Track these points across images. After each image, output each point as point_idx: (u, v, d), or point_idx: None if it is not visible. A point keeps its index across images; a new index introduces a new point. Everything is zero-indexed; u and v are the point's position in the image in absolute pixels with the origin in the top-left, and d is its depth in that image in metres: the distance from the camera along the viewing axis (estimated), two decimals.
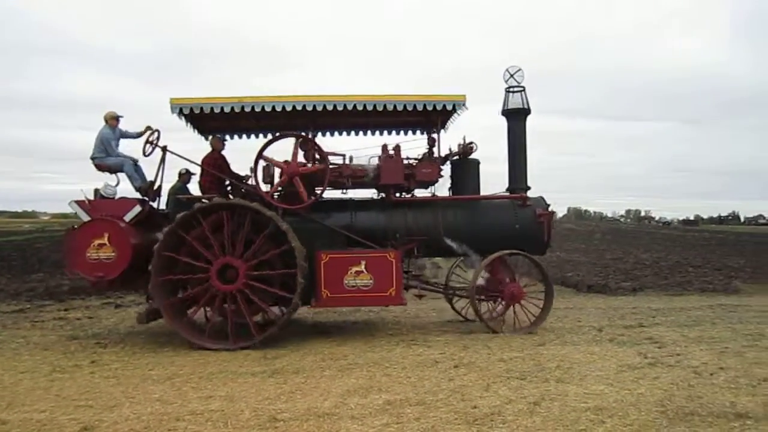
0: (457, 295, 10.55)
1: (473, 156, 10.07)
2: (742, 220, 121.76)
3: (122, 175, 9.54)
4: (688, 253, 26.65)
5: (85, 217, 8.95)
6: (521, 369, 7.09)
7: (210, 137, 10.21)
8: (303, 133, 9.59)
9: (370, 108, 9.21)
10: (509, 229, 9.74)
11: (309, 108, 9.12)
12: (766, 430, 5.08)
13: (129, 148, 9.79)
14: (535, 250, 9.74)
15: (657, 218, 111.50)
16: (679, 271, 19.57)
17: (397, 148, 9.74)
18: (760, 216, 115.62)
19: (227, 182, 9.80)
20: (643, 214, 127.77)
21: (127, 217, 9.01)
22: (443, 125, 10.21)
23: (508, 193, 10.20)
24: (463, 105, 9.41)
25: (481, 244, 9.53)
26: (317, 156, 9.49)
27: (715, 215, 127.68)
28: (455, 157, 10.08)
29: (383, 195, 9.99)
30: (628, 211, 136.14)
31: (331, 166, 9.34)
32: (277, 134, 9.45)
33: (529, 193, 10.12)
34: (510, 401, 5.87)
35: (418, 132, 11.15)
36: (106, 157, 9.44)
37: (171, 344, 8.86)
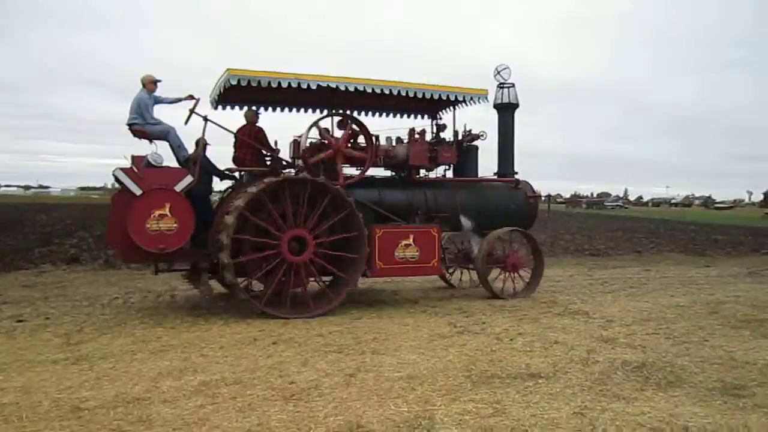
0: (461, 266, 11.47)
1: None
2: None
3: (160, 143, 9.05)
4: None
5: (134, 187, 8.38)
6: (339, 343, 7.12)
7: (245, 109, 10.01)
8: (347, 113, 9.88)
9: (404, 93, 9.71)
10: (506, 209, 10.96)
11: (351, 89, 9.42)
12: (554, 387, 5.59)
13: (159, 114, 9.22)
14: (525, 227, 11.03)
15: None
16: None
17: (422, 132, 10.43)
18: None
19: (266, 155, 9.75)
20: None
21: (178, 188, 8.59)
22: (437, 113, 11.16)
23: (496, 177, 11.43)
24: (486, 98, 10.43)
25: (485, 221, 10.61)
26: (361, 135, 9.88)
27: None
28: (467, 143, 10.95)
29: (401, 174, 10.59)
30: None
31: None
32: (332, 111, 9.80)
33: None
34: (327, 374, 5.87)
35: (418, 116, 11.90)
36: (146, 124, 8.88)
37: None
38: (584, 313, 9.12)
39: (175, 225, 8.36)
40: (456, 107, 10.95)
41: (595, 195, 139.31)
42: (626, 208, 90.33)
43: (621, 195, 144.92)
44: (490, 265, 10.61)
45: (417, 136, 10.34)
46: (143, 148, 8.99)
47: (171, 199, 8.38)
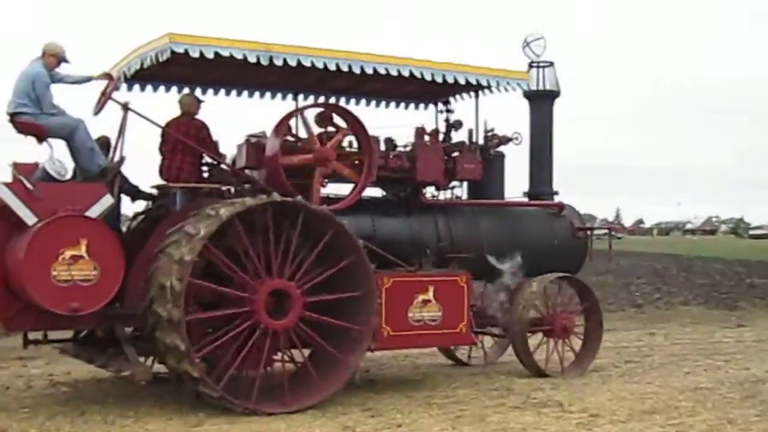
0: (486, 333, 11.86)
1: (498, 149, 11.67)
2: None
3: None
4: None
5: (26, 213, 8.32)
6: None
7: (182, 95, 10.32)
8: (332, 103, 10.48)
9: (417, 75, 10.20)
10: (547, 246, 11.59)
11: (356, 69, 9.88)
12: None
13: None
14: (571, 271, 11.67)
15: None
16: None
17: (435, 133, 10.97)
18: None
19: (205, 163, 10.03)
20: None
21: (94, 212, 8.60)
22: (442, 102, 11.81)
23: (527, 198, 12.16)
24: (526, 84, 11.18)
25: (516, 264, 11.11)
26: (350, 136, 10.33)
27: None
28: (494, 149, 11.54)
29: (401, 195, 11.13)
30: None
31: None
32: (318, 102, 10.63)
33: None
34: None
35: (411, 106, 12.57)
36: (42, 114, 8.85)
37: None
38: (556, 404, 9.35)
39: (94, 273, 8.36)
40: (479, 94, 11.52)
41: None
42: (619, 238, 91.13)
43: (610, 218, 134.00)
44: (530, 330, 11.21)
45: (427, 138, 10.86)
46: (33, 151, 9.04)
47: (89, 231, 8.38)
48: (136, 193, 9.99)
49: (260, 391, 8.83)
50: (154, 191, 10.20)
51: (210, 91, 11.37)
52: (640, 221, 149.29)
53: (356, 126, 10.16)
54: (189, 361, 8.38)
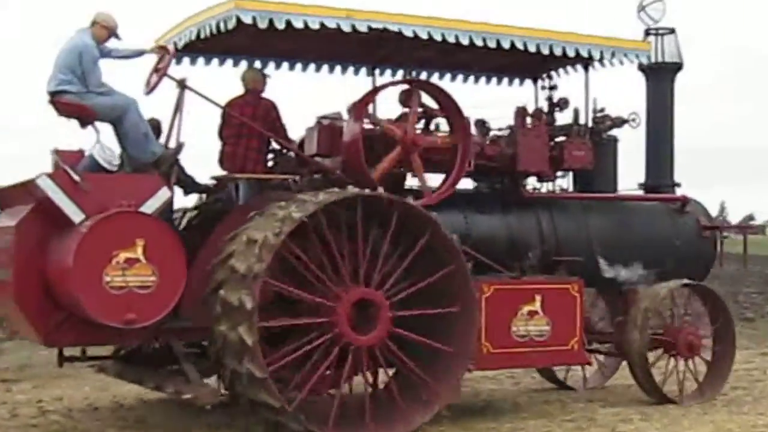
0: (595, 351, 11.51)
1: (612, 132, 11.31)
2: None
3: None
4: None
5: (72, 209, 8.14)
6: None
7: (246, 70, 10.24)
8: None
9: (520, 46, 9.93)
10: (669, 248, 11.20)
11: (450, 39, 9.63)
12: None
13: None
14: (697, 277, 11.28)
15: None
16: None
17: (538, 114, 10.68)
18: None
19: (274, 149, 10.03)
20: None
21: (149, 208, 8.42)
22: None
23: (643, 191, 11.82)
24: (647, 57, 10.88)
25: (633, 268, 10.86)
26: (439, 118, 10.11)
27: None
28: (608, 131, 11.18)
29: (497, 187, 10.87)
30: None
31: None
32: (402, 79, 10.41)
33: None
34: None
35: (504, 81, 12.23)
36: (88, 92, 8.69)
37: None
38: None
39: (152, 278, 8.15)
40: (588, 68, 11.15)
41: None
42: (725, 237, 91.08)
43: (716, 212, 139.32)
44: (650, 347, 10.75)
45: (530, 120, 10.58)
46: (74, 136, 8.98)
47: (145, 230, 8.21)
48: (192, 185, 9.87)
49: (337, 418, 8.65)
50: (213, 182, 10.11)
51: (271, 64, 11.16)
52: (750, 217, 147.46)
53: (449, 106, 9.91)
54: (266, 389, 8.14)
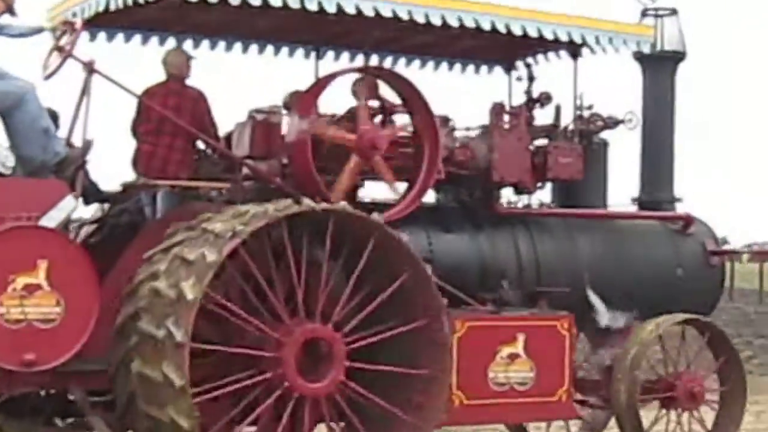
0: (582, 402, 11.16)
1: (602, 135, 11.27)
2: None
3: None
4: None
5: None
6: None
7: (168, 51, 10.12)
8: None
9: (501, 29, 9.74)
10: (668, 276, 11.15)
11: (419, 18, 9.39)
12: None
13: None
14: (702, 312, 11.14)
15: None
16: None
17: (519, 112, 10.54)
18: None
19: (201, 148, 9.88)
20: None
21: (52, 220, 8.26)
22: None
23: (637, 207, 11.81)
24: (647, 43, 10.78)
25: (623, 301, 10.70)
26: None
27: None
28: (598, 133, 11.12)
29: (466, 200, 10.78)
30: None
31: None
32: (365, 65, 10.39)
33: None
34: None
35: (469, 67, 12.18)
36: None
37: None
38: None
39: (57, 310, 8.05)
40: (577, 56, 11.05)
41: None
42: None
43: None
44: (643, 397, 10.64)
45: (508, 119, 10.47)
46: None
47: (49, 249, 8.10)
48: (95, 193, 9.63)
49: None
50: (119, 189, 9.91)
51: (189, 42, 11.01)
52: (724, 240, 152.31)
53: (414, 99, 9.76)
54: None
